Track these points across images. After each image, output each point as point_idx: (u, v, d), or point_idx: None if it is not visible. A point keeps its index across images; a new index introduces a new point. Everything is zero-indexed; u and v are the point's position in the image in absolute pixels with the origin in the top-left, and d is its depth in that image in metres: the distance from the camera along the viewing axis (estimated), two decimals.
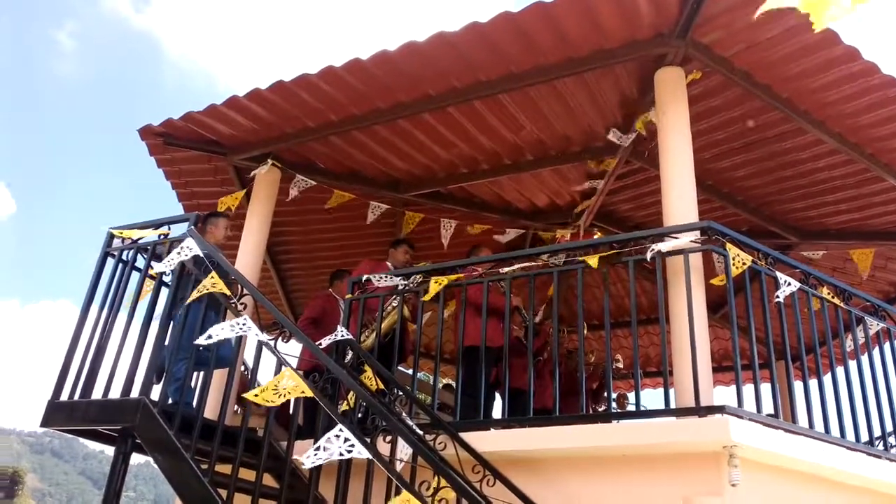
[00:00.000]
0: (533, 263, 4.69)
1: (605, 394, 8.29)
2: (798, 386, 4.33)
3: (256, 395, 3.28)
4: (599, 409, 8.10)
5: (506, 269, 4.49)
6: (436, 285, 4.66)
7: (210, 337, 3.65)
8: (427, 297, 4.67)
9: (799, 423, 3.88)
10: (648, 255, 4.09)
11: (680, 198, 4.62)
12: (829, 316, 4.44)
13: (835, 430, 4.02)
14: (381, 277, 4.96)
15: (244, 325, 3.67)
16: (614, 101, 5.74)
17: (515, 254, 4.73)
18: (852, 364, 4.47)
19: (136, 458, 4.26)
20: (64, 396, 4.32)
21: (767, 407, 4.09)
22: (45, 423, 4.28)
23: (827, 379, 4.28)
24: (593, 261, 4.18)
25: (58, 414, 4.25)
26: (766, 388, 8.30)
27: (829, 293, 4.44)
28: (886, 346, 4.72)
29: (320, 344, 4.31)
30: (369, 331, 5.27)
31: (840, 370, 4.41)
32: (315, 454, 2.96)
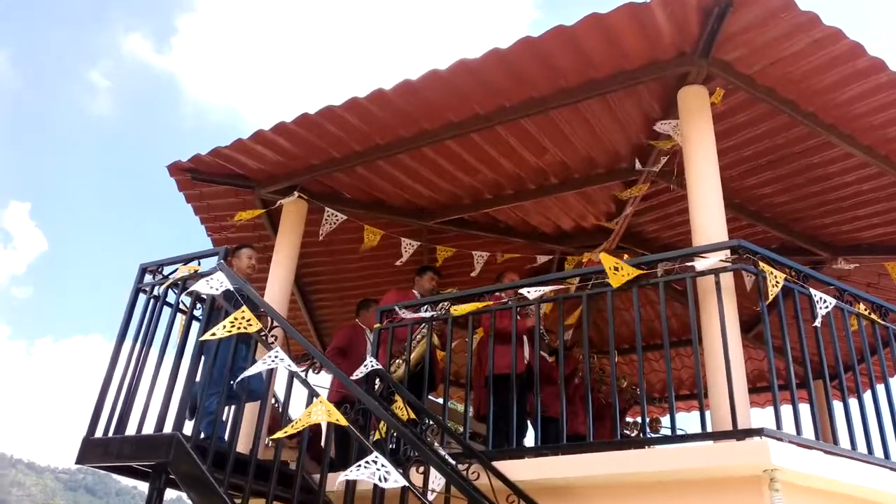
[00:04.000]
0: (560, 287, 4.65)
1: (626, 418, 8.21)
2: (837, 405, 4.23)
3: (294, 426, 3.29)
4: (629, 433, 7.99)
5: (535, 294, 4.46)
6: (464, 308, 4.64)
7: (243, 371, 3.68)
8: (456, 313, 4.63)
9: (840, 444, 3.79)
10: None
11: (708, 217, 4.57)
12: (865, 333, 4.34)
13: (878, 451, 3.91)
14: (407, 308, 4.95)
15: (276, 356, 3.68)
16: (638, 121, 5.72)
17: (542, 278, 4.69)
18: (893, 381, 4.36)
19: (169, 493, 4.27)
20: (98, 433, 4.36)
21: (807, 428, 3.99)
22: (80, 461, 4.31)
23: (867, 397, 4.17)
24: (615, 280, 4.12)
25: (93, 451, 4.29)
26: (804, 408, 8.12)
27: (865, 309, 4.35)
28: None
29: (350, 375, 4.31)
30: (401, 360, 5.26)
31: (881, 388, 4.31)
32: (356, 470, 2.94)
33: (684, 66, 4.83)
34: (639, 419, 7.94)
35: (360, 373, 4.39)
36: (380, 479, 2.94)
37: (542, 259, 7.66)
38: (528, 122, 5.64)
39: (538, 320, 4.63)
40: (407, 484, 2.99)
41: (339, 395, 5.36)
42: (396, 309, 4.97)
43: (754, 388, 9.63)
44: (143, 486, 4.46)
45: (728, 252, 4.06)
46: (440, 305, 4.87)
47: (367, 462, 2.99)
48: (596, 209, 7.20)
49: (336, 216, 6.52)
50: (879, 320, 4.37)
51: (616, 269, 4.16)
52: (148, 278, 4.87)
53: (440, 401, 6.14)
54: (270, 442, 6.45)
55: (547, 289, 4.49)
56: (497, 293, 5.00)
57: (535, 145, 6.01)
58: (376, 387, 4.62)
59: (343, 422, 3.29)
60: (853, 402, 4.08)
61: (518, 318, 4.72)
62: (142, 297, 4.80)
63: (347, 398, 4.84)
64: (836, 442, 3.80)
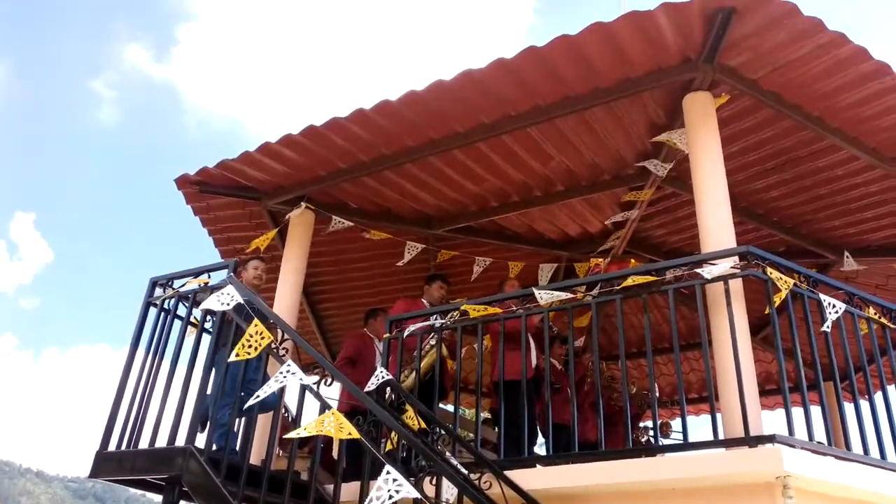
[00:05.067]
0: (570, 295, 4.65)
1: (640, 423, 8.19)
2: (849, 408, 4.22)
3: (306, 429, 3.30)
4: (640, 438, 7.98)
5: (545, 297, 4.47)
6: (474, 313, 4.66)
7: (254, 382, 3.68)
8: (473, 313, 4.66)
9: (852, 448, 3.79)
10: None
11: (716, 222, 4.58)
12: (875, 335, 4.34)
13: (891, 455, 3.90)
14: (416, 318, 4.97)
15: (289, 370, 3.69)
16: (643, 128, 5.73)
17: (551, 286, 4.70)
18: None
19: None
20: (111, 446, 4.37)
21: (818, 431, 3.99)
22: (93, 475, 4.33)
23: (878, 399, 4.17)
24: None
25: (106, 465, 4.31)
26: (814, 410, 8.11)
27: (875, 313, 4.35)
28: None
29: (360, 385, 4.32)
30: (409, 370, 5.27)
31: (892, 389, 4.30)
32: None
33: (689, 72, 4.84)
34: (649, 423, 7.94)
35: (372, 384, 4.40)
36: (390, 496, 2.93)
37: (547, 267, 7.67)
38: (533, 131, 5.66)
39: (546, 321, 4.63)
40: (419, 496, 3.00)
41: (348, 406, 5.37)
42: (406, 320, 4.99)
43: (763, 390, 9.62)
44: (153, 495, 4.48)
45: (737, 258, 4.07)
46: (449, 315, 4.88)
47: (378, 487, 2.98)
48: (602, 215, 7.21)
49: (343, 223, 6.55)
50: (890, 324, 4.37)
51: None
52: (158, 291, 4.90)
53: (451, 408, 6.16)
54: (282, 452, 6.47)
55: (557, 295, 4.50)
56: (505, 301, 5.01)
57: (541, 153, 6.03)
58: (386, 396, 4.64)
59: (356, 435, 3.30)
60: (864, 405, 4.08)
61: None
62: (152, 311, 4.83)
63: (358, 409, 4.85)
64: (848, 446, 3.80)
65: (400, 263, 7.11)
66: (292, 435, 3.44)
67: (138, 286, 5.00)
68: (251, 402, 3.78)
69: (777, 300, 3.89)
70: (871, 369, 6.68)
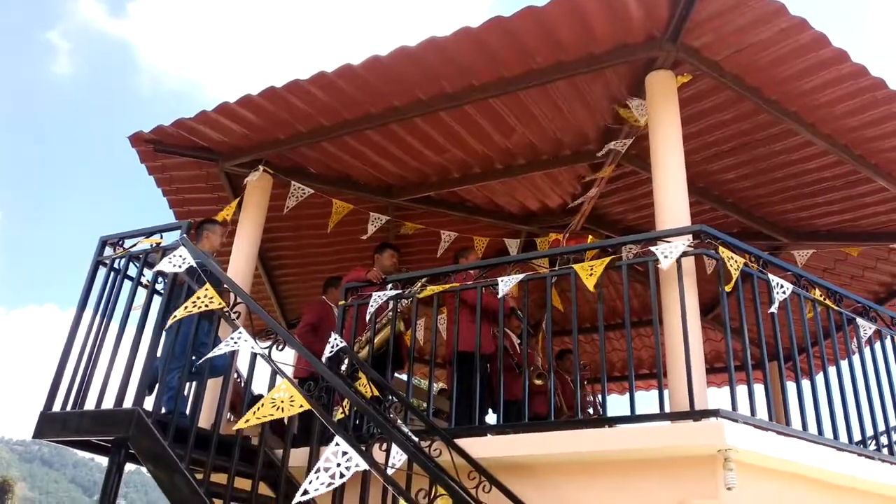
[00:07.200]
0: (531, 273, 4.68)
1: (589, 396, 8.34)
2: (791, 387, 4.35)
3: (255, 414, 3.23)
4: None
5: (503, 279, 4.48)
6: (430, 290, 4.65)
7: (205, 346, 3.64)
8: (423, 295, 4.66)
9: (792, 424, 3.90)
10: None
11: (672, 201, 4.63)
12: (820, 317, 4.47)
13: (828, 432, 4.04)
14: (376, 289, 4.94)
15: (240, 338, 3.64)
16: (605, 104, 5.75)
17: (508, 259, 4.73)
18: (844, 364, 4.50)
19: (127, 466, 4.23)
20: (56, 407, 4.29)
21: (761, 408, 4.11)
22: (37, 435, 4.25)
23: (819, 379, 4.30)
24: (590, 282, 4.16)
25: (50, 425, 4.23)
26: (758, 388, 8.33)
27: (821, 295, 4.47)
28: (877, 345, 4.77)
29: (321, 353, 4.30)
30: (364, 340, 5.24)
31: (832, 370, 4.44)
32: (317, 478, 2.91)
33: (653, 50, 4.85)
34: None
35: (328, 353, 4.38)
36: (341, 475, 2.92)
37: (513, 243, 7.71)
38: (496, 102, 5.64)
39: (502, 302, 4.65)
40: (368, 467, 2.99)
41: (306, 373, 5.36)
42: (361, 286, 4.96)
43: (712, 368, 9.85)
44: (101, 458, 4.42)
45: (690, 237, 4.13)
46: (409, 286, 4.86)
47: (326, 458, 2.96)
48: (562, 190, 7.25)
49: (303, 190, 6.47)
50: (833, 306, 4.49)
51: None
52: (108, 251, 4.79)
53: (405, 377, 6.17)
54: (232, 417, 6.43)
55: (517, 278, 4.48)
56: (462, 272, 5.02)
57: (503, 125, 6.01)
58: (342, 364, 4.62)
59: (307, 406, 3.27)
60: (806, 384, 4.20)
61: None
62: (102, 270, 4.73)
63: (314, 375, 4.84)
64: (788, 423, 3.91)
65: (364, 237, 7.06)
66: (241, 425, 3.35)
67: (88, 245, 4.88)
68: (206, 357, 3.73)
69: (728, 287, 3.97)
70: (815, 351, 6.90)
